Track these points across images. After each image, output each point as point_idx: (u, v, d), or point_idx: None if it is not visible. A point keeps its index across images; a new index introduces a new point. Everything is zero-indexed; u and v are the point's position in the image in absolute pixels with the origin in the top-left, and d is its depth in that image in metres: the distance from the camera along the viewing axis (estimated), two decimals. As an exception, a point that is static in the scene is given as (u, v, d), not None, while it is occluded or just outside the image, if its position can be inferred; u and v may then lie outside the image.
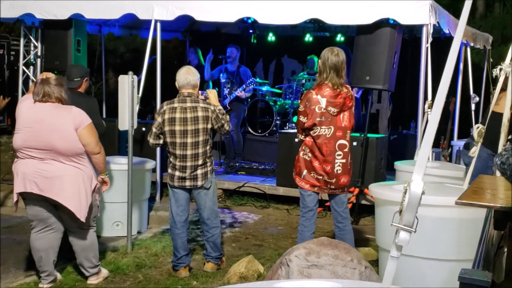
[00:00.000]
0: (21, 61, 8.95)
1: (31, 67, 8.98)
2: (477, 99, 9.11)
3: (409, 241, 2.10)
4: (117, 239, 6.23)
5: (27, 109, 4.68)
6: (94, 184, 4.77)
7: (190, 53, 9.70)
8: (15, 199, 4.71)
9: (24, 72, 8.97)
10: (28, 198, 4.69)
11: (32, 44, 8.98)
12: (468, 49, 8.94)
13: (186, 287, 4.94)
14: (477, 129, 4.99)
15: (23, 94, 8.86)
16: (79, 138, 4.59)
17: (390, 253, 2.15)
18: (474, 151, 4.90)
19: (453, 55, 2.18)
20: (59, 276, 4.99)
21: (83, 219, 4.66)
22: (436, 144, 8.69)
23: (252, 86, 9.14)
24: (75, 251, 4.93)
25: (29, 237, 4.96)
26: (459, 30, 2.23)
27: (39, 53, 8.87)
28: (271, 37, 10.84)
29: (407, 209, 2.07)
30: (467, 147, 5.66)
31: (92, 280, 4.96)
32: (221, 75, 9.24)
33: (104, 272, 5.10)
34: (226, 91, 9.11)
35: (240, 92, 8.96)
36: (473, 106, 9.08)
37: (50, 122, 4.56)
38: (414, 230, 2.10)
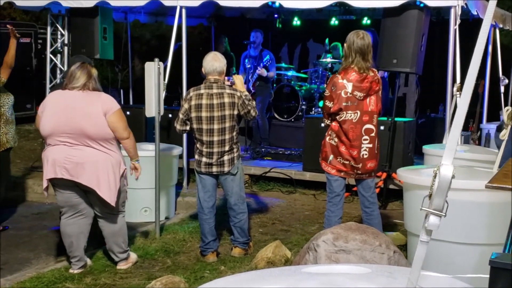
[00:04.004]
0: (48, 49, 9.04)
1: (59, 55, 9.07)
2: (506, 81, 8.95)
3: (439, 225, 2.08)
4: (145, 224, 6.29)
5: (57, 96, 4.75)
6: (123, 169, 4.82)
7: (221, 41, 9.76)
8: (44, 185, 4.78)
9: (51, 60, 9.05)
10: (58, 184, 4.76)
11: (59, 32, 9.06)
12: (497, 31, 8.78)
13: (214, 272, 4.97)
14: (507, 112, 4.92)
15: (50, 82, 8.96)
16: (108, 124, 4.64)
17: (420, 238, 2.13)
18: (505, 133, 4.84)
19: (483, 37, 2.14)
20: (89, 261, 5.06)
21: (113, 204, 4.72)
22: (465, 127, 8.57)
23: (270, 63, 9.09)
24: (104, 236, 4.99)
25: (59, 223, 5.03)
26: (489, 12, 2.19)
27: (66, 41, 8.94)
28: (296, 22, 10.74)
29: (437, 193, 2.05)
30: (500, 129, 5.58)
31: (121, 265, 5.02)
32: (246, 60, 9.23)
33: (133, 257, 5.16)
34: (250, 76, 9.10)
35: (260, 70, 8.91)
36: (502, 89, 8.93)
37: (80, 108, 4.62)
38: (444, 214, 2.07)
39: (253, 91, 8.97)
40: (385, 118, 7.26)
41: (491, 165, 5.18)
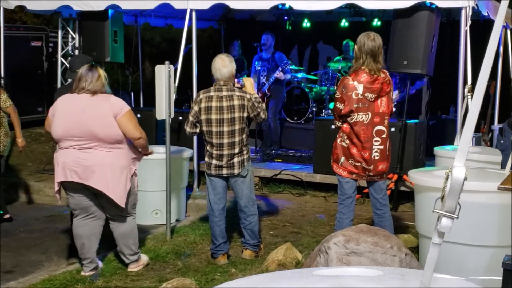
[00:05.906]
0: (59, 53, 9.09)
1: (69, 59, 9.10)
2: (518, 82, 8.90)
3: (451, 227, 2.07)
4: (156, 227, 6.30)
5: (67, 100, 4.77)
6: (133, 171, 4.84)
7: (234, 45, 9.76)
8: (56, 188, 4.80)
9: (62, 63, 9.10)
10: (69, 187, 4.78)
11: (70, 36, 9.11)
12: (508, 32, 8.74)
13: (224, 274, 4.97)
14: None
15: (61, 85, 8.99)
16: (119, 125, 4.65)
17: (432, 240, 2.12)
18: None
19: (495, 38, 2.12)
20: (100, 264, 5.07)
21: (122, 205, 4.73)
22: (476, 128, 8.50)
23: (287, 67, 9.07)
24: (115, 238, 5.00)
25: (71, 226, 5.05)
26: (501, 13, 2.17)
27: (77, 45, 9.00)
28: (306, 23, 10.74)
29: (449, 195, 2.04)
30: (502, 133, 5.57)
31: (132, 268, 5.03)
32: (256, 62, 9.22)
33: (144, 259, 5.16)
34: (263, 79, 9.09)
35: (278, 73, 8.90)
36: (514, 90, 8.88)
37: (89, 111, 4.64)
38: (457, 216, 2.06)
39: (268, 94, 8.96)
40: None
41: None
